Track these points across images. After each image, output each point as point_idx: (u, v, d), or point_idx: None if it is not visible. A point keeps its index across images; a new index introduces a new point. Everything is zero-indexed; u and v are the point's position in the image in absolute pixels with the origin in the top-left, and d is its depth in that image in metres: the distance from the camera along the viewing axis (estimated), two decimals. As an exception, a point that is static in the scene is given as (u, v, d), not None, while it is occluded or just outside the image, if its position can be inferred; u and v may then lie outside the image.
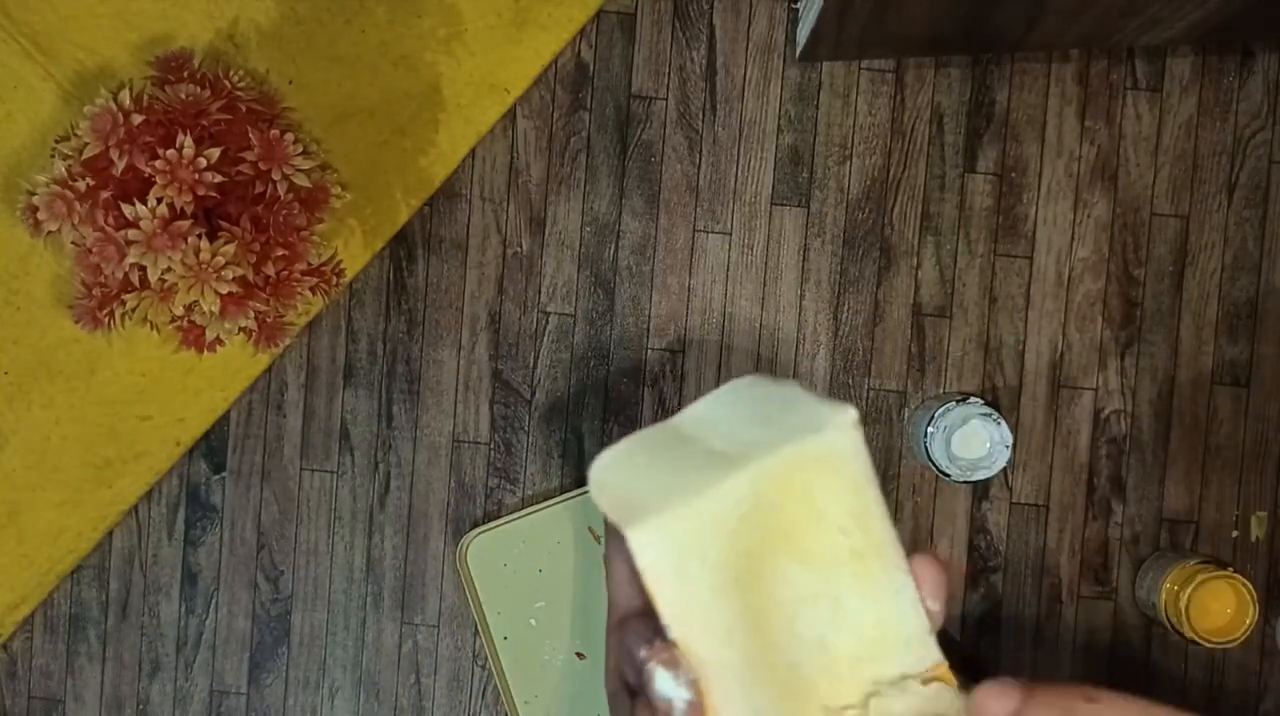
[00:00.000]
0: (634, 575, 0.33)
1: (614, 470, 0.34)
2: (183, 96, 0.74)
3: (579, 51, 0.88)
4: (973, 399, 0.82)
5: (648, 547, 0.31)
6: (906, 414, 0.88)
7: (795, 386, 0.34)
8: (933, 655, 0.33)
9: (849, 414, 0.32)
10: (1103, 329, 0.88)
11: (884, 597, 0.33)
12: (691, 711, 0.32)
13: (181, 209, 0.71)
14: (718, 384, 0.88)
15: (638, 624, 0.33)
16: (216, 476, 0.89)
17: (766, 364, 0.88)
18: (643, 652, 0.32)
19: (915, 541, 0.88)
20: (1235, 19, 0.79)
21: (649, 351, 0.89)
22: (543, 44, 0.87)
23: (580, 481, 0.88)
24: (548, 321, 0.89)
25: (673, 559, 0.31)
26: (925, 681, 0.33)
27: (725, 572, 0.32)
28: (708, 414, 0.35)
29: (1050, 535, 0.88)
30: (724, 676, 0.32)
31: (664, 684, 0.31)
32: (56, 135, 0.79)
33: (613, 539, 0.35)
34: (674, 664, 0.31)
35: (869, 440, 0.87)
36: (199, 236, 0.71)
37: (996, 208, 0.88)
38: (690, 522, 0.31)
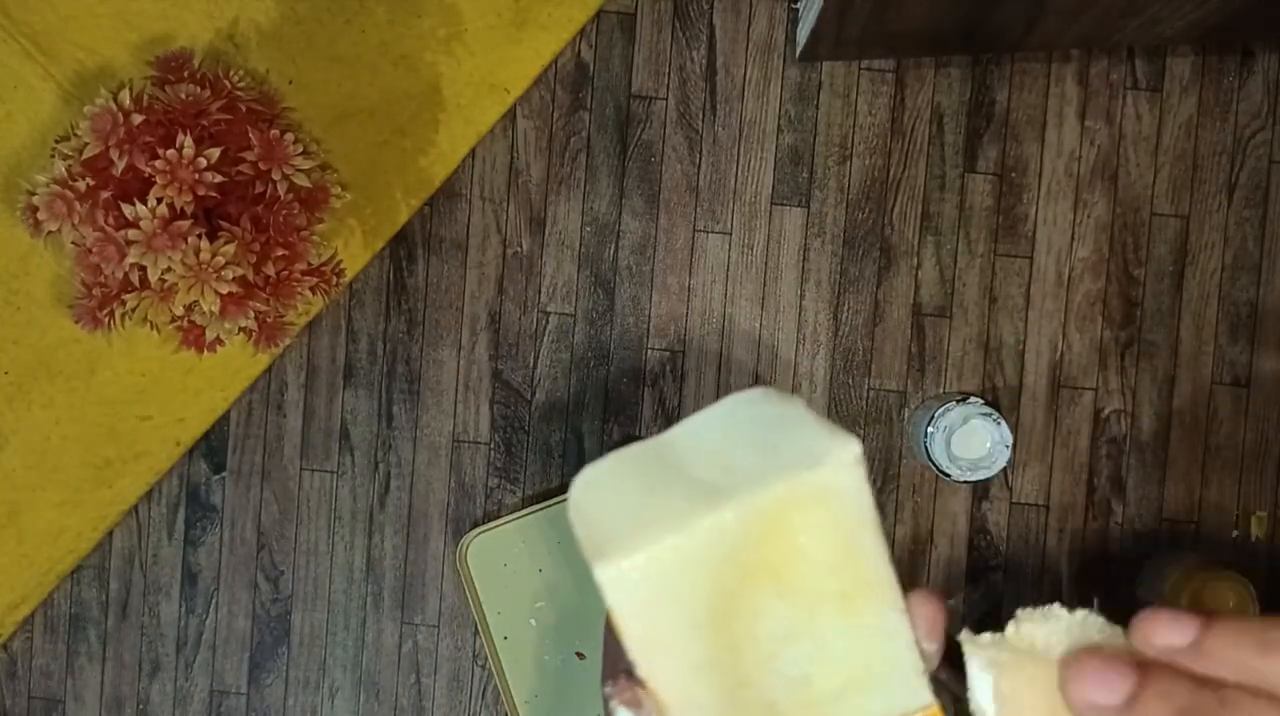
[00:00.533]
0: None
1: (593, 491, 0.32)
2: (183, 96, 0.74)
3: (579, 51, 0.88)
4: (973, 399, 0.82)
5: (615, 585, 0.30)
6: (906, 414, 0.88)
7: (800, 407, 0.33)
8: (921, 697, 0.32)
9: (851, 450, 0.30)
10: (1103, 329, 0.88)
11: (872, 639, 0.31)
12: None
13: (181, 209, 0.71)
14: (718, 384, 0.89)
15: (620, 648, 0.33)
16: (216, 476, 0.89)
17: (766, 364, 0.88)
18: (607, 689, 0.31)
19: (915, 541, 0.88)
20: (1235, 19, 0.79)
21: (649, 351, 0.89)
22: (543, 44, 0.87)
23: (580, 481, 0.88)
24: (548, 321, 0.89)
25: (642, 597, 0.30)
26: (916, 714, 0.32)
27: (700, 610, 0.30)
28: (702, 432, 0.33)
29: (1050, 535, 0.88)
30: (690, 706, 0.31)
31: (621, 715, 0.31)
32: (56, 135, 0.79)
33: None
34: (635, 704, 0.31)
35: (869, 443, 0.87)
36: (199, 236, 0.71)
37: (996, 208, 0.88)
38: (664, 561, 0.30)
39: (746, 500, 0.30)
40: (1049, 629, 0.31)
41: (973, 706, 0.31)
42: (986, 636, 0.31)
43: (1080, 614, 0.31)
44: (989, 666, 0.31)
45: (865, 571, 0.31)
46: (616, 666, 0.34)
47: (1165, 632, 0.29)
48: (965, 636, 0.31)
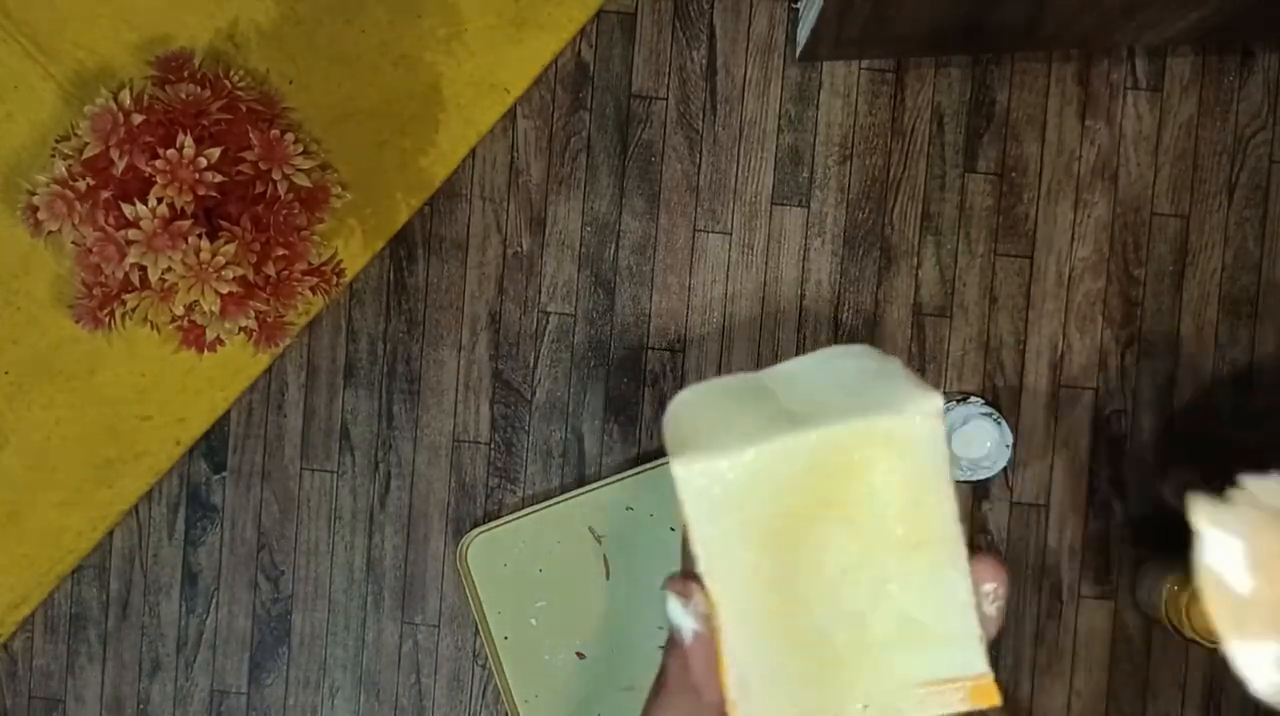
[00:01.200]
0: None
1: (688, 406, 0.34)
2: (183, 96, 0.74)
3: (579, 51, 0.88)
4: (973, 399, 0.82)
5: (688, 482, 0.32)
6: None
7: (897, 363, 0.34)
8: (978, 664, 0.32)
9: (933, 401, 0.32)
10: (1103, 328, 0.88)
11: (931, 593, 0.32)
12: (697, 642, 0.33)
13: (182, 209, 0.71)
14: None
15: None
16: (217, 476, 0.89)
17: (767, 363, 0.88)
18: (663, 582, 0.33)
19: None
20: (1235, 19, 0.79)
21: (649, 351, 0.88)
22: (543, 44, 0.87)
23: (580, 481, 0.88)
24: (548, 321, 0.89)
25: (714, 499, 0.32)
26: (965, 690, 0.32)
27: (767, 525, 0.32)
28: (796, 371, 0.35)
29: (1051, 535, 0.88)
30: (744, 622, 0.32)
31: (674, 611, 0.33)
32: (57, 135, 0.79)
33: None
34: (685, 594, 0.32)
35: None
36: (199, 236, 0.71)
37: (997, 207, 0.88)
38: (740, 470, 0.32)
39: (827, 430, 0.31)
40: (1275, 487, 0.32)
41: (1213, 573, 0.31)
42: (1210, 503, 0.32)
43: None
44: (1239, 527, 0.31)
45: (933, 524, 0.32)
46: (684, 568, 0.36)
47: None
48: (1198, 504, 0.31)
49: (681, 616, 0.33)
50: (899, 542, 0.32)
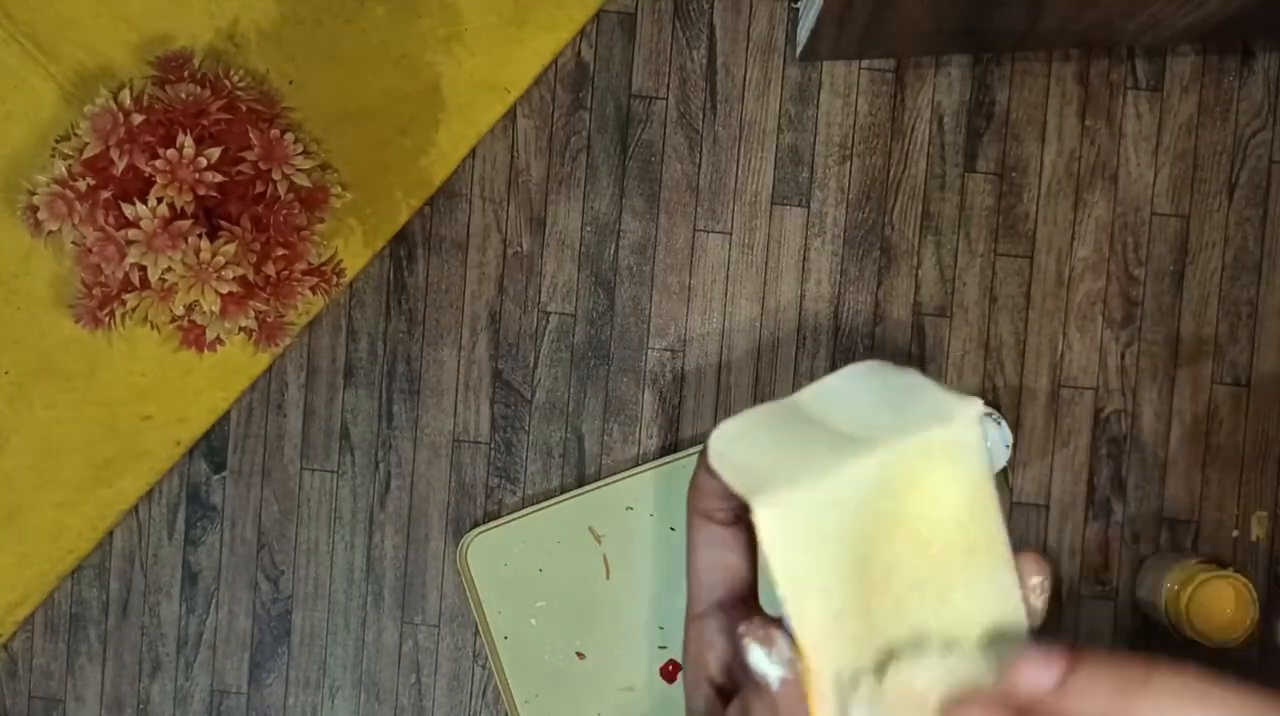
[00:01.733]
0: (722, 564, 0.34)
1: (737, 442, 0.34)
2: (183, 96, 0.74)
3: (579, 51, 0.88)
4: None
5: (774, 520, 0.31)
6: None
7: (917, 374, 0.34)
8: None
9: (976, 407, 0.32)
10: (1103, 328, 0.88)
11: (989, 595, 0.33)
12: (786, 688, 0.31)
13: (182, 209, 0.71)
14: (718, 384, 0.89)
15: (721, 614, 0.34)
16: (217, 476, 0.89)
17: (767, 364, 0.88)
18: (741, 628, 0.32)
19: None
20: (1235, 19, 0.79)
21: (649, 351, 0.89)
22: (543, 43, 0.87)
23: (580, 481, 0.88)
24: (548, 321, 0.89)
25: (797, 533, 0.31)
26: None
27: (846, 553, 0.32)
28: (831, 395, 0.35)
29: (1051, 535, 0.88)
30: (831, 655, 0.32)
31: (758, 660, 0.32)
32: (57, 135, 0.79)
33: (698, 529, 0.35)
34: (769, 641, 0.32)
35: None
36: (199, 236, 0.71)
37: (997, 207, 0.88)
38: (817, 499, 0.31)
39: (886, 450, 0.32)
40: (926, 671, 0.32)
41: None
42: (861, 685, 0.32)
43: (952, 645, 0.32)
44: None
45: (988, 527, 0.33)
46: (698, 657, 0.35)
47: (1030, 675, 0.30)
48: (833, 684, 0.32)
49: (767, 665, 0.32)
50: (962, 550, 0.32)
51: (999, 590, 0.33)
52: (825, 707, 0.31)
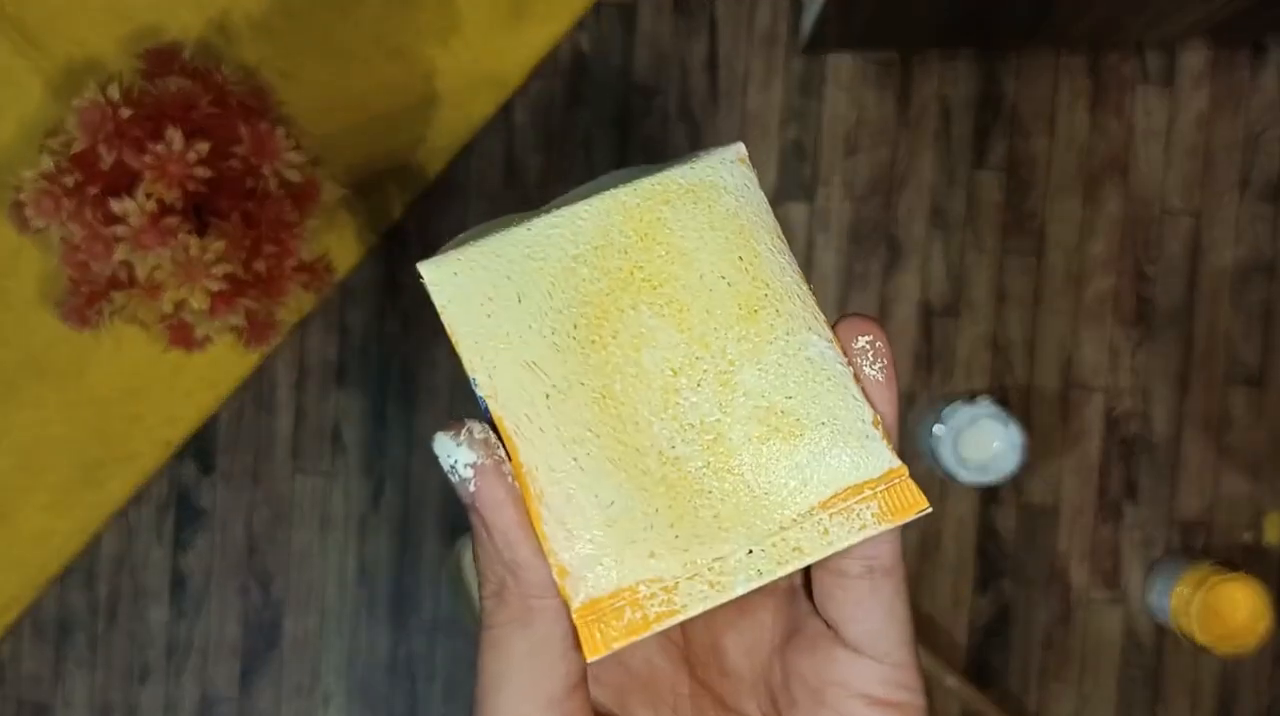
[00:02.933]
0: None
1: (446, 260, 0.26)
2: (172, 90, 0.72)
3: (578, 43, 0.87)
4: (981, 398, 0.80)
5: (445, 282, 0.25)
6: (913, 414, 0.86)
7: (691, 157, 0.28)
8: (879, 458, 0.25)
9: (734, 148, 0.26)
10: (1114, 327, 0.86)
11: (794, 373, 0.25)
12: (480, 474, 0.24)
13: (170, 205, 0.70)
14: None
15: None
16: (206, 478, 0.87)
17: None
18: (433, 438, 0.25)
19: (923, 546, 0.86)
20: (1248, 13, 0.78)
21: (649, 350, 0.87)
22: (540, 35, 0.86)
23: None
24: (546, 320, 0.87)
25: (481, 292, 0.25)
26: (878, 499, 0.25)
27: (555, 319, 0.25)
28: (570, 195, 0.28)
29: (1060, 538, 0.86)
30: (555, 454, 0.24)
31: (441, 449, 0.24)
32: (44, 129, 0.78)
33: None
34: (457, 426, 0.24)
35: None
36: (188, 232, 0.70)
37: (1005, 203, 0.86)
38: (504, 254, 0.25)
39: (602, 197, 0.26)
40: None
41: None
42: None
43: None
44: None
45: (769, 279, 0.25)
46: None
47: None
48: None
49: (455, 451, 0.24)
50: (735, 311, 0.25)
51: (810, 367, 0.25)
52: (549, 517, 0.24)
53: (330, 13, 0.85)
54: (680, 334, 0.25)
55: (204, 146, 0.70)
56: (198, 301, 0.70)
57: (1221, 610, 0.77)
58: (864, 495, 0.25)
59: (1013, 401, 0.86)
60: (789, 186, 0.86)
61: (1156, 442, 0.86)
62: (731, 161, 0.26)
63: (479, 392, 0.25)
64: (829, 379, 0.25)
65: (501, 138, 0.87)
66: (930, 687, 0.84)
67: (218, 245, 0.70)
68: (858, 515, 0.25)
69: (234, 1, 0.84)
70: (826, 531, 0.24)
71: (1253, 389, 0.86)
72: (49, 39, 0.84)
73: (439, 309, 0.25)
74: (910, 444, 0.86)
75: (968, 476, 0.80)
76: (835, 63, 0.86)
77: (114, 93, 0.71)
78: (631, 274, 0.25)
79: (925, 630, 0.85)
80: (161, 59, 0.76)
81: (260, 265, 0.72)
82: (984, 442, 0.79)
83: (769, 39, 0.86)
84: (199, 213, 0.73)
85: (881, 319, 0.87)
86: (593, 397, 0.25)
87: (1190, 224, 0.86)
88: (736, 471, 0.25)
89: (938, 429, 0.80)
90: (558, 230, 0.25)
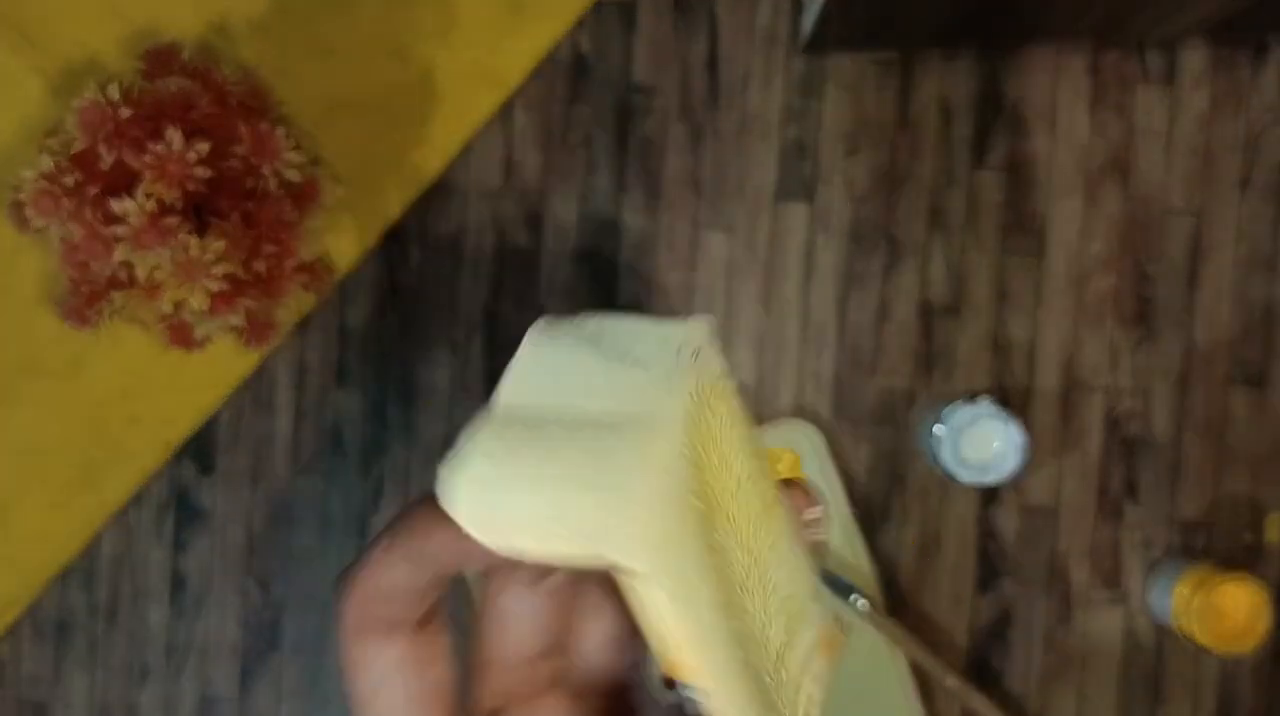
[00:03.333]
0: (432, 691, 0.26)
1: (487, 490, 0.24)
2: (172, 89, 0.72)
3: (577, 42, 0.86)
4: (982, 398, 0.80)
5: (657, 578, 0.22)
6: (913, 414, 0.86)
7: (599, 319, 0.26)
8: (821, 612, 0.27)
9: (703, 321, 0.25)
10: (1114, 327, 0.86)
11: (790, 555, 0.25)
12: None
13: (170, 204, 0.69)
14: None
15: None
16: (206, 478, 0.87)
17: (770, 363, 0.86)
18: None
19: (922, 546, 0.86)
20: (1249, 12, 0.78)
21: (649, 350, 0.87)
22: (540, 34, 0.85)
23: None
24: (546, 320, 0.87)
25: (682, 582, 0.22)
26: (823, 650, 0.26)
27: (710, 578, 0.23)
28: (535, 379, 0.25)
29: (1061, 539, 0.86)
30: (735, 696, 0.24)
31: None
32: (43, 129, 0.78)
33: (379, 655, 0.26)
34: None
35: (877, 440, 0.85)
36: (188, 232, 0.69)
37: (1006, 203, 0.86)
38: (670, 515, 0.22)
39: (670, 407, 0.23)
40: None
41: None
42: None
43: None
44: None
45: (764, 470, 0.25)
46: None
47: None
48: None
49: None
50: (759, 515, 0.25)
51: (790, 545, 0.26)
52: None
53: (330, 12, 0.85)
54: (737, 549, 0.24)
55: (204, 146, 0.70)
56: (197, 301, 0.70)
57: (1222, 610, 0.77)
58: (818, 648, 0.27)
59: (1013, 401, 0.86)
60: (789, 186, 0.86)
61: (1157, 443, 0.86)
62: (711, 338, 0.25)
63: (695, 695, 0.24)
64: (799, 556, 0.26)
65: (501, 137, 0.86)
66: (930, 688, 0.84)
67: (217, 245, 0.69)
68: (818, 665, 0.27)
69: (233, 2, 0.84)
70: (815, 681, 0.27)
71: (1253, 389, 0.86)
72: (48, 38, 0.84)
73: (663, 619, 0.22)
74: (910, 444, 0.86)
75: (968, 476, 0.80)
76: (835, 62, 0.86)
77: (114, 92, 0.71)
78: (708, 492, 0.24)
79: (925, 630, 0.85)
80: (161, 59, 0.76)
81: (260, 265, 0.72)
82: (984, 442, 0.79)
83: (769, 39, 0.86)
84: (199, 213, 0.73)
85: (881, 319, 0.86)
86: (734, 631, 0.24)
87: (1191, 224, 0.86)
88: (784, 666, 0.26)
89: (938, 429, 0.80)
90: (670, 467, 0.23)
